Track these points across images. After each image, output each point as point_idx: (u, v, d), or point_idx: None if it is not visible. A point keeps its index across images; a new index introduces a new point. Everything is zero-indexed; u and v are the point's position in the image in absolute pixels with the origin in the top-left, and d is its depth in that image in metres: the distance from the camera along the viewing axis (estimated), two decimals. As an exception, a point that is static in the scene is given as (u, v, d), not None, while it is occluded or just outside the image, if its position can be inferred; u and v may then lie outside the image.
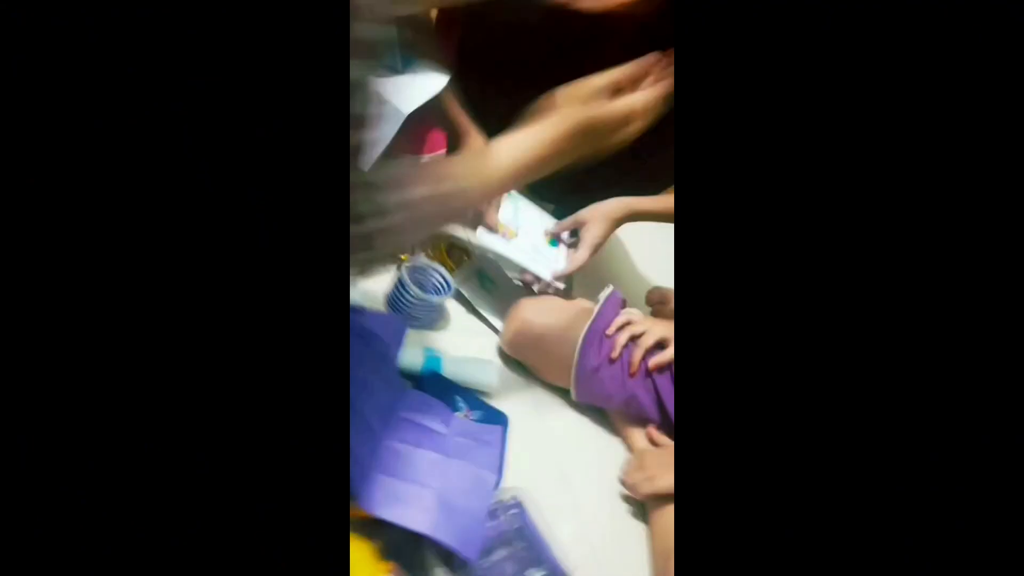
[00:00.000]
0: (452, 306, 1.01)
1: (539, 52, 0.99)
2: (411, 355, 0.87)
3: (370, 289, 0.96)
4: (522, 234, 1.01)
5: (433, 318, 0.97)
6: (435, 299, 0.94)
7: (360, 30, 0.42)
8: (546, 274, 0.99)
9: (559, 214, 1.09)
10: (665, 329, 0.89)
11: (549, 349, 0.93)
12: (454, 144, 1.03)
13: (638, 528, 0.82)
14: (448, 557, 0.66)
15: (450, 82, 0.88)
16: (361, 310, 0.86)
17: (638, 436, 0.91)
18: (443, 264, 1.01)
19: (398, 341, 0.84)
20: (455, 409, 0.81)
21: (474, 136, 1.02)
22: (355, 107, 0.43)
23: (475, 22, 1.06)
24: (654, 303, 1.12)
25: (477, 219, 0.96)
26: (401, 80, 0.82)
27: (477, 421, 0.82)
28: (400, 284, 0.92)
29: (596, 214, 1.01)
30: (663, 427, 0.90)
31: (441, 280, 0.98)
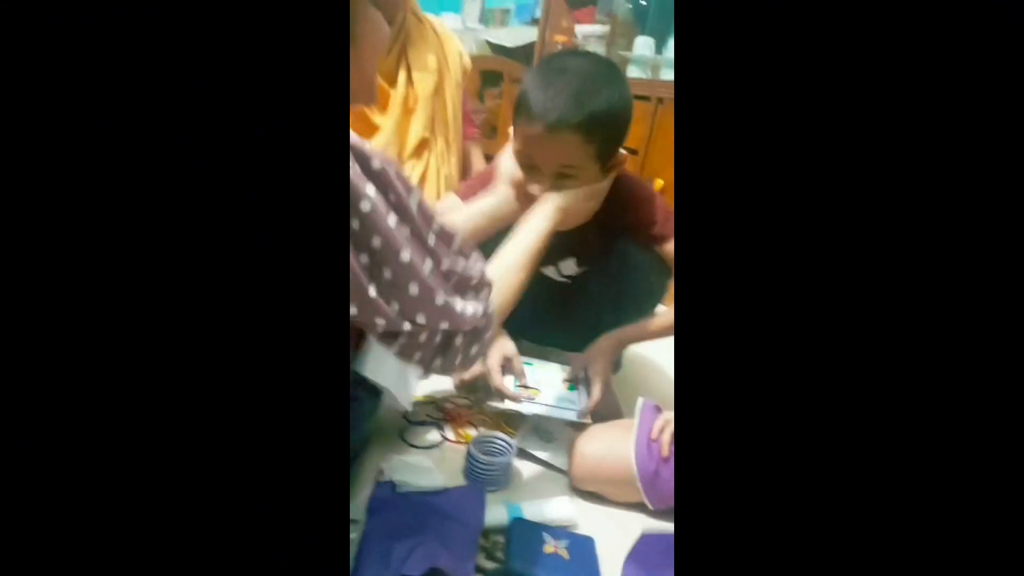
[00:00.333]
0: (522, 465, 1.16)
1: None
2: (495, 513, 1.00)
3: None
4: (544, 389, 1.23)
5: (507, 477, 1.11)
6: (502, 461, 1.09)
7: None
8: (574, 416, 1.17)
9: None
10: None
11: (610, 473, 1.05)
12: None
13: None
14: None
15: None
16: (445, 490, 1.01)
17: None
18: (503, 431, 1.18)
19: (481, 505, 0.98)
20: (542, 544, 0.92)
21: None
22: None
23: None
24: None
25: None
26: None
27: (567, 548, 0.92)
28: (471, 458, 1.08)
29: (594, 353, 1.21)
30: None
31: (504, 444, 1.14)
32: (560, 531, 0.96)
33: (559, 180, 0.99)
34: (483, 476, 1.08)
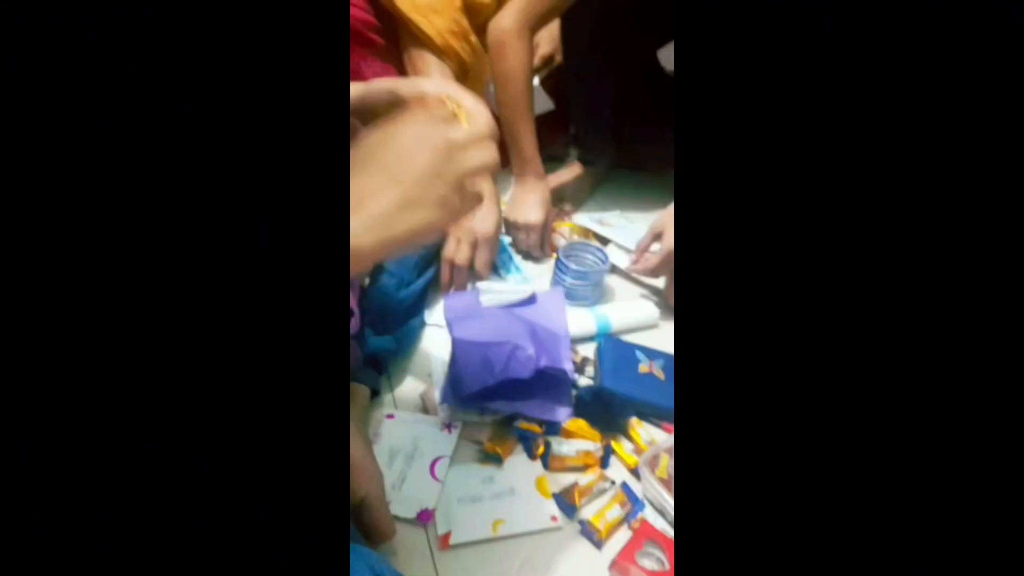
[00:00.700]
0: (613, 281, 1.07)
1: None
2: (581, 323, 0.94)
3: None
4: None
5: (600, 292, 1.03)
6: (597, 272, 1.01)
7: None
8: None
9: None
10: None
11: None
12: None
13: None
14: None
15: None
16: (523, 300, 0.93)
17: None
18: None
19: (563, 311, 0.90)
20: (636, 363, 0.86)
21: None
22: None
23: None
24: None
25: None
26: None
27: (662, 368, 0.86)
28: (560, 267, 1.00)
29: (670, 218, 1.00)
30: None
31: (598, 254, 1.04)
32: (654, 351, 0.89)
33: None
34: (573, 289, 1.00)
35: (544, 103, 1.40)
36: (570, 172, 1.24)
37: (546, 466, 0.75)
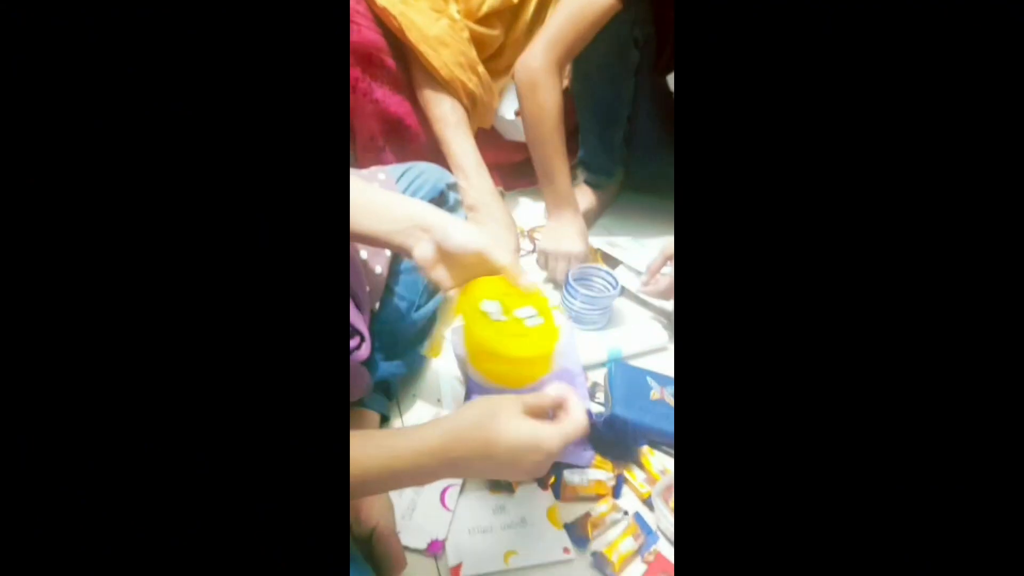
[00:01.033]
0: (623, 305, 1.06)
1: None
2: (593, 347, 0.93)
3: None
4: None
5: (607, 316, 1.03)
6: (606, 297, 1.00)
7: None
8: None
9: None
10: None
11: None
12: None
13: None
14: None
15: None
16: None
17: None
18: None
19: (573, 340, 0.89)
20: (648, 389, 0.85)
21: None
22: None
23: None
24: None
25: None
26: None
27: (673, 395, 0.85)
28: (570, 291, 0.99)
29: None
30: None
31: (607, 279, 1.03)
32: (665, 377, 0.88)
33: None
34: (581, 314, 1.00)
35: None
36: (580, 196, 1.24)
37: (558, 496, 0.73)
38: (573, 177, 1.29)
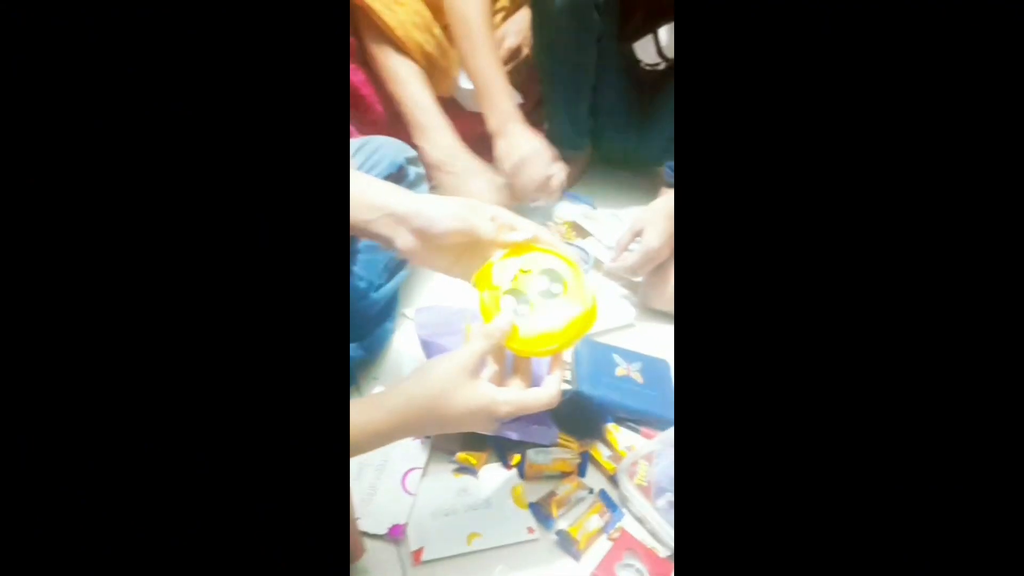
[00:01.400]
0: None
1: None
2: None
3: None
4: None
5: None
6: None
7: None
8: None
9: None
10: None
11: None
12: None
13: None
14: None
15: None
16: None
17: None
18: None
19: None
20: (614, 366, 0.83)
21: None
22: None
23: None
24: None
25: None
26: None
27: (640, 371, 0.84)
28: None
29: (654, 213, 0.97)
30: None
31: (579, 253, 1.02)
32: (632, 353, 0.87)
33: None
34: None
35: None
36: None
37: (522, 475, 0.72)
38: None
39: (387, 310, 0.88)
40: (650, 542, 0.66)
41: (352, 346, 0.80)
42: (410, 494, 0.69)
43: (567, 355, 0.87)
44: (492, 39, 1.00)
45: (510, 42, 1.28)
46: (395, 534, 0.65)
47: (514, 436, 0.72)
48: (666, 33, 1.16)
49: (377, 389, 0.82)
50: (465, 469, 0.72)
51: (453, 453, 0.73)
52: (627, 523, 0.69)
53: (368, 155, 0.83)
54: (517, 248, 0.58)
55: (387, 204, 0.54)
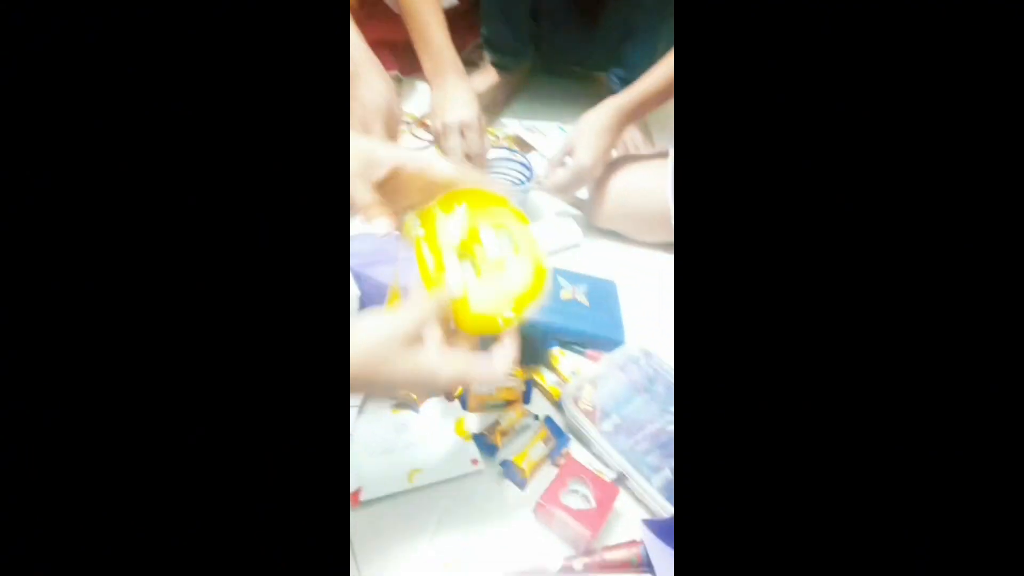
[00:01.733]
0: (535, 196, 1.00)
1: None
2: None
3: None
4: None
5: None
6: (520, 189, 0.93)
7: None
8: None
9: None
10: None
11: (639, 208, 0.90)
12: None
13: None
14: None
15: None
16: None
17: None
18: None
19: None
20: (558, 289, 0.80)
21: None
22: None
23: None
24: None
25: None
26: None
27: (585, 293, 0.81)
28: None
29: (584, 129, 0.90)
30: None
31: (522, 166, 0.96)
32: (577, 275, 0.84)
33: None
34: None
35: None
36: (485, 79, 1.13)
37: (465, 407, 0.70)
38: (479, 59, 1.18)
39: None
40: (596, 466, 0.65)
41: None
42: (347, 434, 0.66)
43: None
44: None
45: None
46: (332, 476, 0.63)
47: None
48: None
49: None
50: (404, 405, 0.69)
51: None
52: (573, 448, 0.68)
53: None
54: (459, 195, 0.50)
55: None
